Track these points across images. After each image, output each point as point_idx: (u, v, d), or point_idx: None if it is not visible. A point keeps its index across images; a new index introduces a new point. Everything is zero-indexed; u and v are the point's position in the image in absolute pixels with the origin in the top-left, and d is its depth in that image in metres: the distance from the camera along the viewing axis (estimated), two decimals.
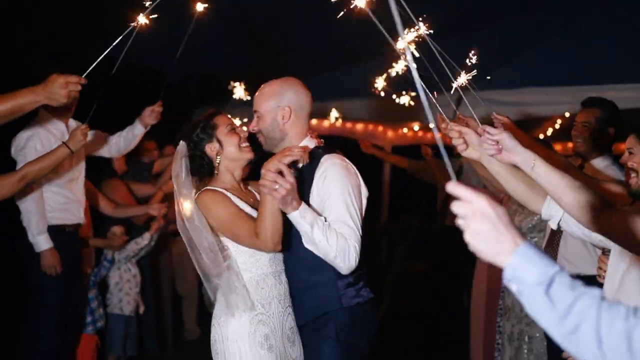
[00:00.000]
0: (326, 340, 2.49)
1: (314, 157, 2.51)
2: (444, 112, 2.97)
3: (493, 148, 2.05)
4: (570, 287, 1.13)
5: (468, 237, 1.19)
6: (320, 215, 2.41)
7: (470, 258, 4.95)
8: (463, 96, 2.57)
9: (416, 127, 8.09)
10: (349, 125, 7.79)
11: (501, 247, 1.16)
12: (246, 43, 20.75)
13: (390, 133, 7.90)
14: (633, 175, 2.20)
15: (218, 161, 2.55)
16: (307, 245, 2.40)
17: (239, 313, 2.41)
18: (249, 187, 2.72)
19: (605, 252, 2.42)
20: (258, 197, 2.53)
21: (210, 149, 2.55)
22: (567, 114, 5.60)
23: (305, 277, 2.53)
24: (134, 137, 4.11)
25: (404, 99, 3.82)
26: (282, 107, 2.53)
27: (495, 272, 4.51)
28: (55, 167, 3.43)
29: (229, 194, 2.48)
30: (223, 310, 2.46)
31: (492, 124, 2.59)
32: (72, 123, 3.88)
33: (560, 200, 2.03)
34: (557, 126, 6.05)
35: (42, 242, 3.72)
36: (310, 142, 2.57)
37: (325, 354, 2.48)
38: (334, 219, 2.39)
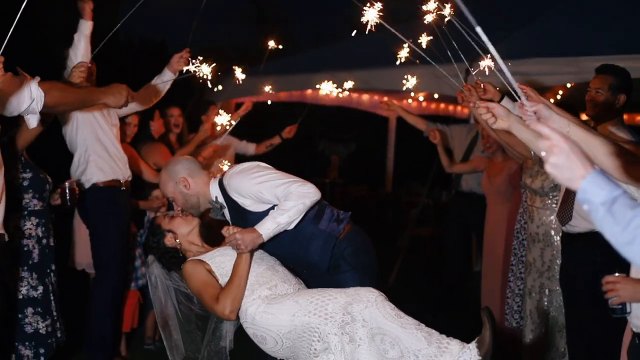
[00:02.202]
0: (346, 274, 2.84)
1: (222, 188, 2.93)
2: (454, 82, 3.09)
3: (532, 118, 2.27)
4: (630, 206, 1.33)
5: (548, 167, 1.41)
6: (263, 209, 2.81)
7: (482, 222, 5.07)
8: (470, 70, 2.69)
9: (421, 97, 8.15)
10: (355, 95, 7.85)
11: (574, 174, 1.37)
12: (249, 16, 20.62)
13: (395, 103, 7.94)
14: None
15: (179, 243, 2.98)
16: (289, 227, 2.75)
17: (250, 301, 2.69)
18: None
19: None
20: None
21: (168, 240, 2.99)
22: (568, 85, 5.65)
23: (297, 247, 2.86)
24: (164, 84, 4.16)
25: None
26: (179, 181, 2.96)
27: (512, 230, 4.63)
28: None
29: (202, 257, 2.87)
30: (240, 315, 2.74)
31: (509, 93, 2.89)
32: None
33: (595, 158, 2.23)
34: (558, 97, 6.10)
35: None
36: (214, 183, 2.97)
37: (349, 285, 2.69)
38: (273, 194, 2.77)
